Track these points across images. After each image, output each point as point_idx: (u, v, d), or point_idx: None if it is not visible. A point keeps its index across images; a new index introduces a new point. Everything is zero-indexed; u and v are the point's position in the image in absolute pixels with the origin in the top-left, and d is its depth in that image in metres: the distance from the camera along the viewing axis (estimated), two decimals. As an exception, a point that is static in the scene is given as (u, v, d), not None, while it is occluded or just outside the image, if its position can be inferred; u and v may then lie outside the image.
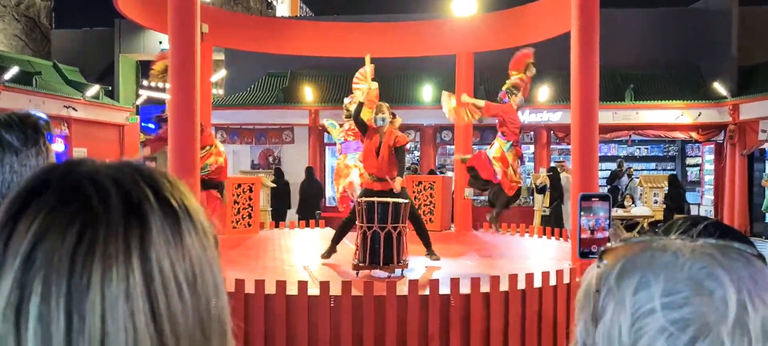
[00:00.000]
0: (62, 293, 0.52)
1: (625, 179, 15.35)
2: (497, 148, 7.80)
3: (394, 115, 6.96)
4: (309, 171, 14.69)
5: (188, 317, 0.57)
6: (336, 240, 6.68)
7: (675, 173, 15.45)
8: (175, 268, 0.56)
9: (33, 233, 0.54)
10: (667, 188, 13.69)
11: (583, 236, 1.91)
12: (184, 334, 0.56)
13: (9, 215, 0.56)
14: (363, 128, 6.86)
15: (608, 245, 0.71)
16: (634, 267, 0.66)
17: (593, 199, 1.94)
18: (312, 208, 13.75)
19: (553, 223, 10.16)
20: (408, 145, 7.71)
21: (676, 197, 13.37)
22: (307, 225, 9.83)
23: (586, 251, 1.87)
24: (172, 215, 0.58)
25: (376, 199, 6.00)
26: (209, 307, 0.59)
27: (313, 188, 14.43)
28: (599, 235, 1.90)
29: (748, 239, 0.69)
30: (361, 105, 6.86)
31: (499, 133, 7.80)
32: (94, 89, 17.65)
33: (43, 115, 1.25)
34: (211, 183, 7.82)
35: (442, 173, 15.16)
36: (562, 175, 12.00)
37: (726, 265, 0.64)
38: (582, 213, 1.90)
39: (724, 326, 0.61)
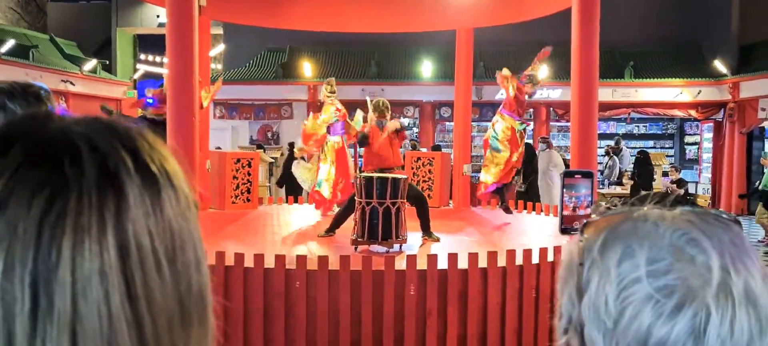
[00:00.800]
0: (27, 269, 0.46)
1: (605, 158, 15.35)
2: (506, 127, 7.84)
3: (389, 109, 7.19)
4: (291, 146, 14.66)
5: (167, 296, 0.52)
6: (336, 224, 6.69)
7: (646, 149, 15.50)
8: (154, 242, 0.51)
9: None
10: (634, 165, 13.67)
11: (566, 212, 1.93)
12: (161, 313, 0.51)
13: None
14: (364, 141, 7.08)
15: (589, 218, 0.72)
16: (617, 237, 0.67)
17: (576, 176, 1.94)
18: (294, 183, 13.77)
19: (531, 199, 10.31)
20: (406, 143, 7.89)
21: (644, 174, 13.37)
22: (289, 201, 9.89)
23: (567, 227, 1.89)
24: (151, 182, 0.52)
25: (375, 175, 6.02)
26: (190, 283, 0.54)
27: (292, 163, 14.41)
28: (581, 212, 1.91)
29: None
30: (365, 136, 7.02)
31: (508, 113, 7.83)
32: (92, 63, 17.59)
33: (45, 86, 1.24)
34: None
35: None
36: (543, 152, 12.04)
37: (706, 230, 0.65)
38: (565, 190, 1.91)
39: (708, 291, 0.62)
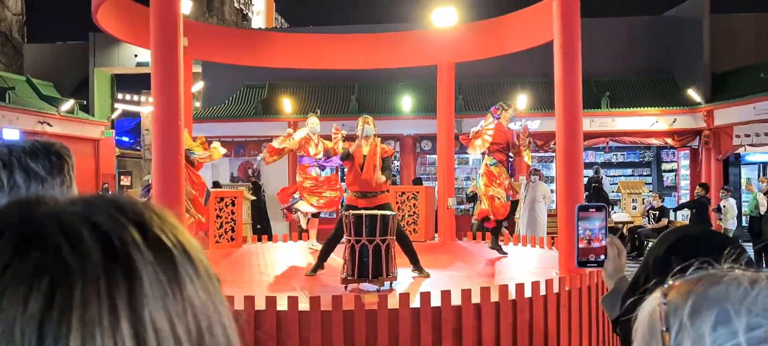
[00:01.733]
0: None
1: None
2: (482, 164, 7.99)
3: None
4: (255, 186, 14.68)
5: None
6: (323, 257, 6.63)
7: (599, 177, 15.71)
8: (175, 326, 0.45)
9: None
10: (592, 192, 13.80)
11: (581, 245, 1.96)
12: None
13: None
14: (347, 157, 6.89)
15: (669, 281, 0.70)
16: (709, 302, 0.65)
17: (590, 209, 1.99)
18: (257, 222, 13.75)
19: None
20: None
21: (600, 201, 13.47)
22: (263, 239, 9.85)
23: (584, 260, 1.91)
24: (167, 258, 0.47)
25: (364, 212, 5.98)
26: None
27: (260, 202, 14.42)
28: (595, 244, 1.95)
29: (710, 233, 0.68)
30: (348, 153, 6.87)
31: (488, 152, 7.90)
32: (69, 104, 17.45)
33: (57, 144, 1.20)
34: None
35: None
36: (533, 184, 12.13)
37: None
38: (579, 223, 1.95)
39: None
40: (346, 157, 6.83)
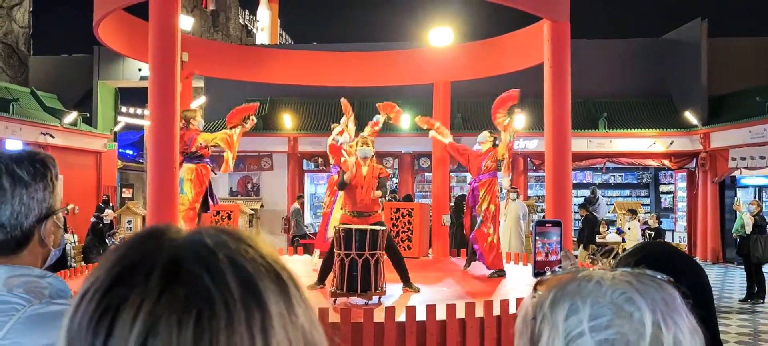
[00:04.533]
0: None
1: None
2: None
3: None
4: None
5: None
6: (323, 274, 6.68)
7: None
8: None
9: (142, 325, 0.46)
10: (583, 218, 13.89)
11: (538, 258, 2.06)
12: None
13: (104, 305, 0.48)
14: (343, 187, 6.96)
15: (545, 275, 0.81)
16: (565, 295, 0.75)
17: (547, 225, 2.10)
18: None
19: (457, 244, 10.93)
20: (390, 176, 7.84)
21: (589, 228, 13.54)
22: None
23: (540, 272, 2.03)
24: (283, 287, 0.51)
25: (353, 226, 6.09)
26: None
27: None
28: (552, 257, 2.05)
29: (673, 255, 0.77)
30: (343, 180, 6.92)
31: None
32: (72, 116, 17.60)
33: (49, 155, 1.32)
34: None
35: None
36: (514, 202, 12.24)
37: (642, 290, 0.74)
38: (537, 238, 2.05)
39: (642, 344, 0.71)
40: (343, 186, 6.92)
